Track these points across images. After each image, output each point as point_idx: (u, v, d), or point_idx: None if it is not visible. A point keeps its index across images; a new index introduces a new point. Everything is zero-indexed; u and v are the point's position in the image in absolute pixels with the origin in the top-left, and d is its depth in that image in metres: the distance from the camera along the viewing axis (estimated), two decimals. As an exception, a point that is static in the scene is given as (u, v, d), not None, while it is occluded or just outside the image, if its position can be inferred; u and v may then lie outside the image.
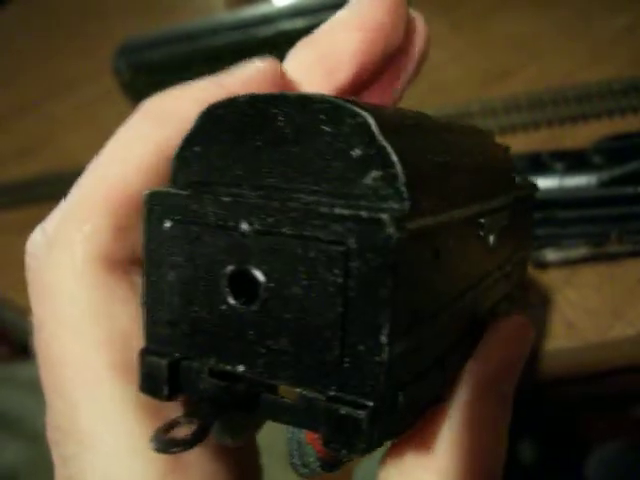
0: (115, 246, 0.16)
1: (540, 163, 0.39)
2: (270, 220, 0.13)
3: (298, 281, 0.13)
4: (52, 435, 0.16)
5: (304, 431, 0.18)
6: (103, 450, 0.15)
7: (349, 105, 0.14)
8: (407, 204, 0.13)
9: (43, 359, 0.16)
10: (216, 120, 0.15)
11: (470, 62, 0.59)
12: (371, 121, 0.13)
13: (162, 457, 0.15)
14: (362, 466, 0.63)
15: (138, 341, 0.16)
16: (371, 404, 0.13)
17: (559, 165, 0.39)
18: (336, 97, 0.14)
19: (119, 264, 0.17)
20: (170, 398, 0.15)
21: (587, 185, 0.38)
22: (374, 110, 0.14)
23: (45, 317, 0.16)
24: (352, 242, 0.13)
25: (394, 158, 0.13)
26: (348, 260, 0.13)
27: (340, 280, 0.13)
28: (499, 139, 0.52)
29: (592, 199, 0.38)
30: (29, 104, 0.71)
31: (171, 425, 0.14)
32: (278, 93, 0.15)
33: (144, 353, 0.16)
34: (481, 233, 0.18)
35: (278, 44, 0.59)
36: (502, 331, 0.18)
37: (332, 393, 0.13)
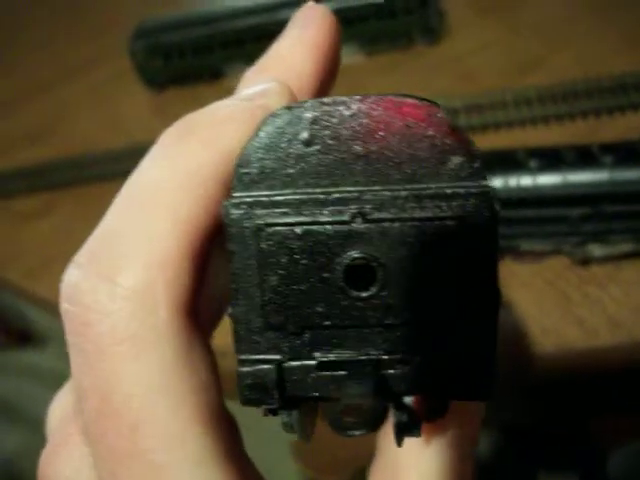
0: (193, 292, 0.16)
1: (589, 156, 0.38)
2: (380, 208, 0.15)
3: (415, 258, 0.15)
4: None
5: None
6: None
7: (429, 103, 0.15)
8: (484, 180, 0.15)
9: (113, 424, 0.15)
10: (283, 125, 0.15)
11: (499, 50, 0.58)
12: (448, 115, 0.15)
13: None
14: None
15: (216, 391, 0.16)
16: (488, 354, 0.15)
17: (608, 158, 0.37)
18: (415, 96, 0.15)
19: (195, 311, 0.16)
20: (282, 403, 0.15)
21: (638, 179, 0.37)
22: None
23: (116, 377, 0.15)
24: (464, 214, 0.15)
25: (474, 145, 0.15)
26: (461, 230, 0.15)
27: (456, 248, 0.15)
28: (533, 130, 0.51)
29: (642, 193, 0.37)
30: (39, 87, 0.69)
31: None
32: (353, 96, 0.15)
33: (241, 365, 0.15)
34: None
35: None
36: None
37: (451, 352, 0.15)
